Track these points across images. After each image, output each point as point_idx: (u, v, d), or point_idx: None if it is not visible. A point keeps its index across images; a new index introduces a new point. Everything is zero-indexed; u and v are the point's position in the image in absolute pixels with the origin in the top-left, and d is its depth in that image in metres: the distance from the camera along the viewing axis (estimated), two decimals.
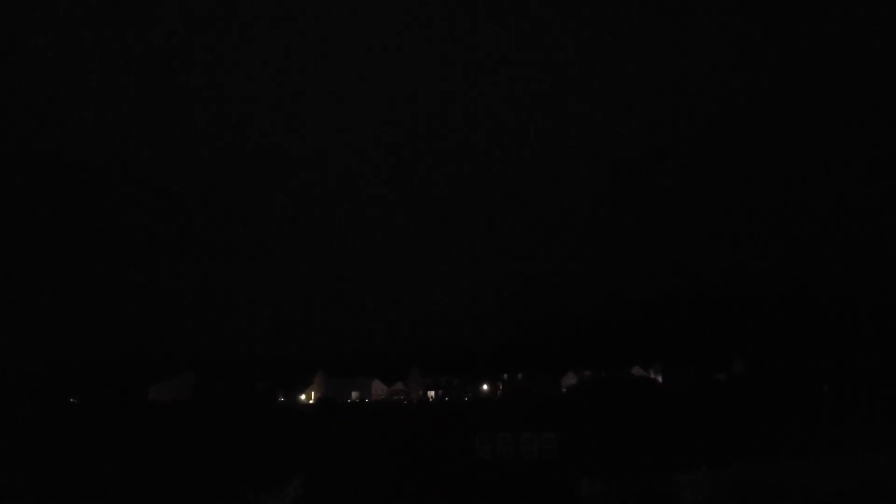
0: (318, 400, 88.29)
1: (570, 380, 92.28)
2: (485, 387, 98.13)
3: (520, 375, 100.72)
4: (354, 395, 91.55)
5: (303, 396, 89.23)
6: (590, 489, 16.88)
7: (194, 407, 64.24)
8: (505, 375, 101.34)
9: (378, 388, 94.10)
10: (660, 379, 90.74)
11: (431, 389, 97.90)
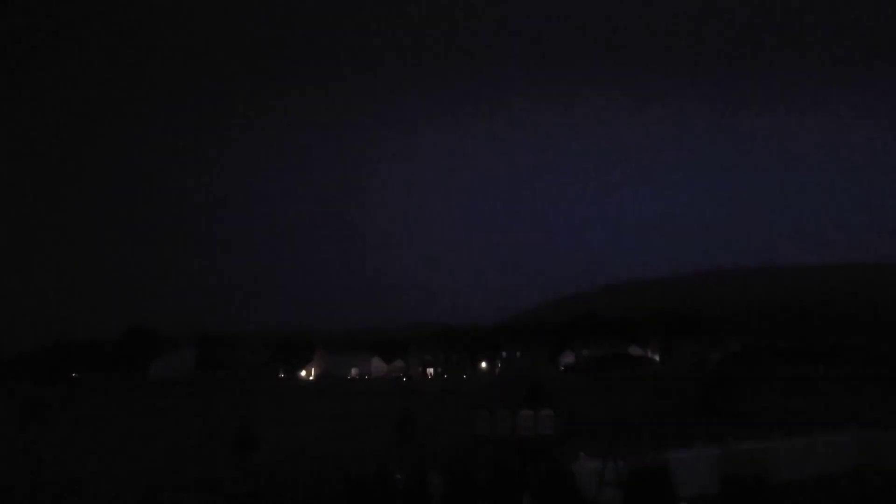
0: (318, 376, 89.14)
1: (567, 358, 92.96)
2: (483, 364, 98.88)
3: (518, 353, 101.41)
4: (354, 371, 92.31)
5: (303, 373, 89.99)
6: (586, 466, 17.08)
7: (196, 382, 64.80)
8: (503, 353, 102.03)
9: (377, 365, 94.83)
10: (656, 358, 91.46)
11: (430, 367, 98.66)
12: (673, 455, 16.80)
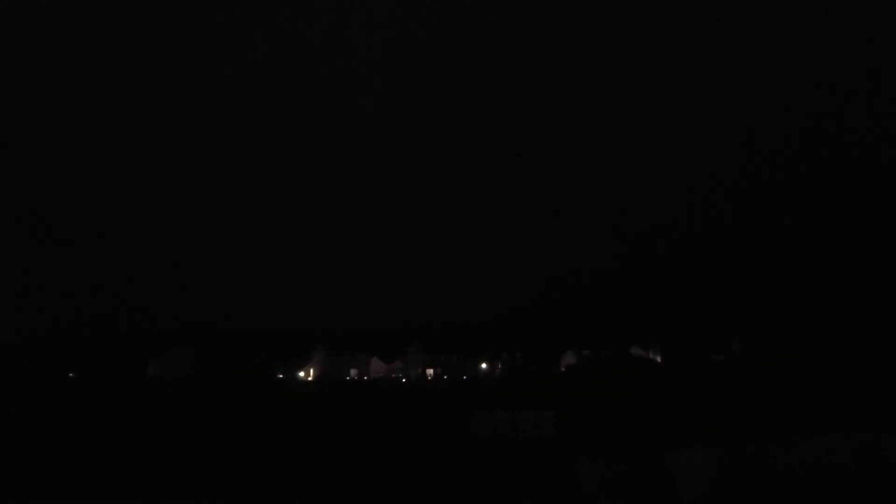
0: (317, 377, 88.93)
1: (568, 359, 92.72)
2: (483, 365, 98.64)
3: (519, 354, 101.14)
4: (353, 372, 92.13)
5: (302, 373, 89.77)
6: (586, 467, 16.80)
7: (194, 382, 64.56)
8: (504, 354, 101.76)
9: (377, 366, 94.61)
10: (658, 359, 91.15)
11: (430, 367, 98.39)
12: (674, 456, 16.52)
